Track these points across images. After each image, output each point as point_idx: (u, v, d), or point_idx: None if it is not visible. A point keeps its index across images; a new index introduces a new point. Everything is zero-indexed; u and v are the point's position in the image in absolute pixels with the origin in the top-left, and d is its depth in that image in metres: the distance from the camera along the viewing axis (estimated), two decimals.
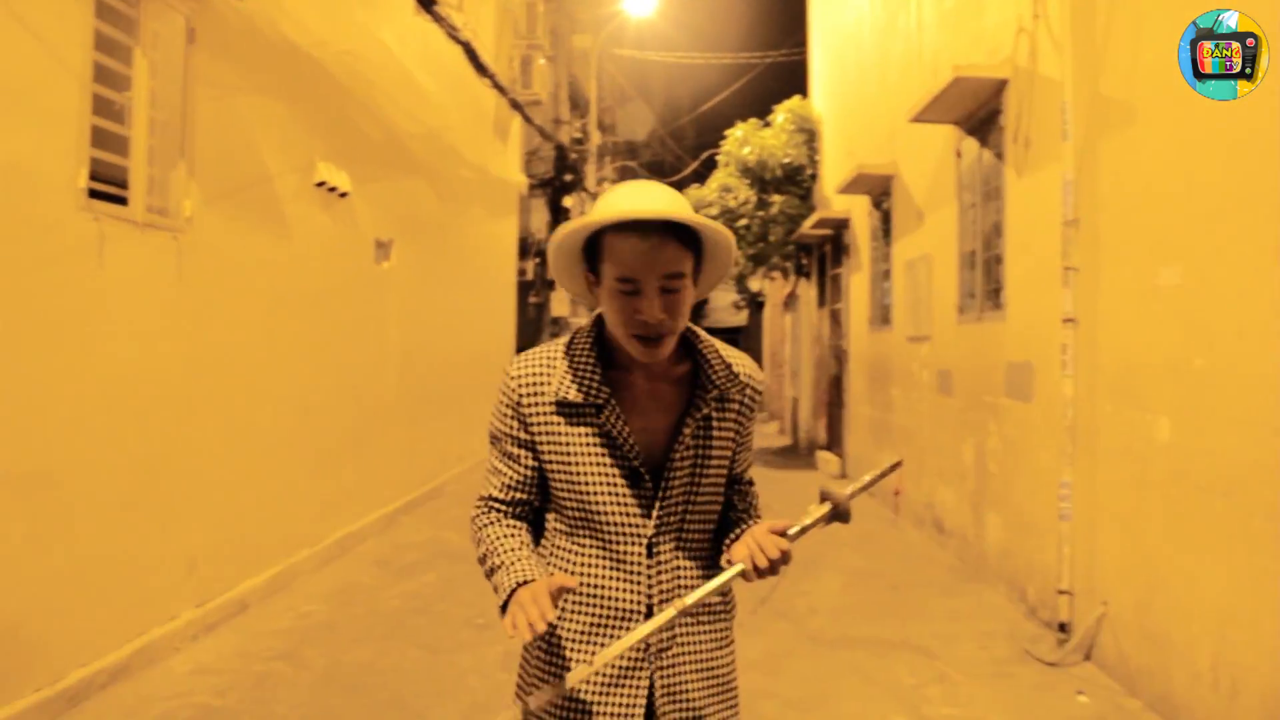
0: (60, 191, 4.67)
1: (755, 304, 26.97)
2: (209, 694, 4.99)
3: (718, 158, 16.42)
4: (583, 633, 1.98)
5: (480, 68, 11.74)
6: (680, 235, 1.84)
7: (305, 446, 7.56)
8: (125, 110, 5.28)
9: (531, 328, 18.65)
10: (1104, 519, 5.32)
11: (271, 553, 6.91)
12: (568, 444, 1.97)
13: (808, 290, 16.81)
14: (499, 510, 2.05)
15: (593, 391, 1.95)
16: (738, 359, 2.07)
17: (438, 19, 9.89)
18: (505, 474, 2.04)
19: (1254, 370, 3.97)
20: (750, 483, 2.22)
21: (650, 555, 1.97)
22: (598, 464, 1.96)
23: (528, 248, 18.30)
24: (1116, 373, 5.21)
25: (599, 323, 2.03)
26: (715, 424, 2.02)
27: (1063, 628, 5.61)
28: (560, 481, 1.99)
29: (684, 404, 2.01)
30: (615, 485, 1.96)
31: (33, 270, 4.50)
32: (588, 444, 1.96)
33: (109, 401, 5.06)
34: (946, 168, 8.37)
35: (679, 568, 2.00)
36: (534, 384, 1.99)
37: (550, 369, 1.99)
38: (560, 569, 2.00)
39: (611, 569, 1.97)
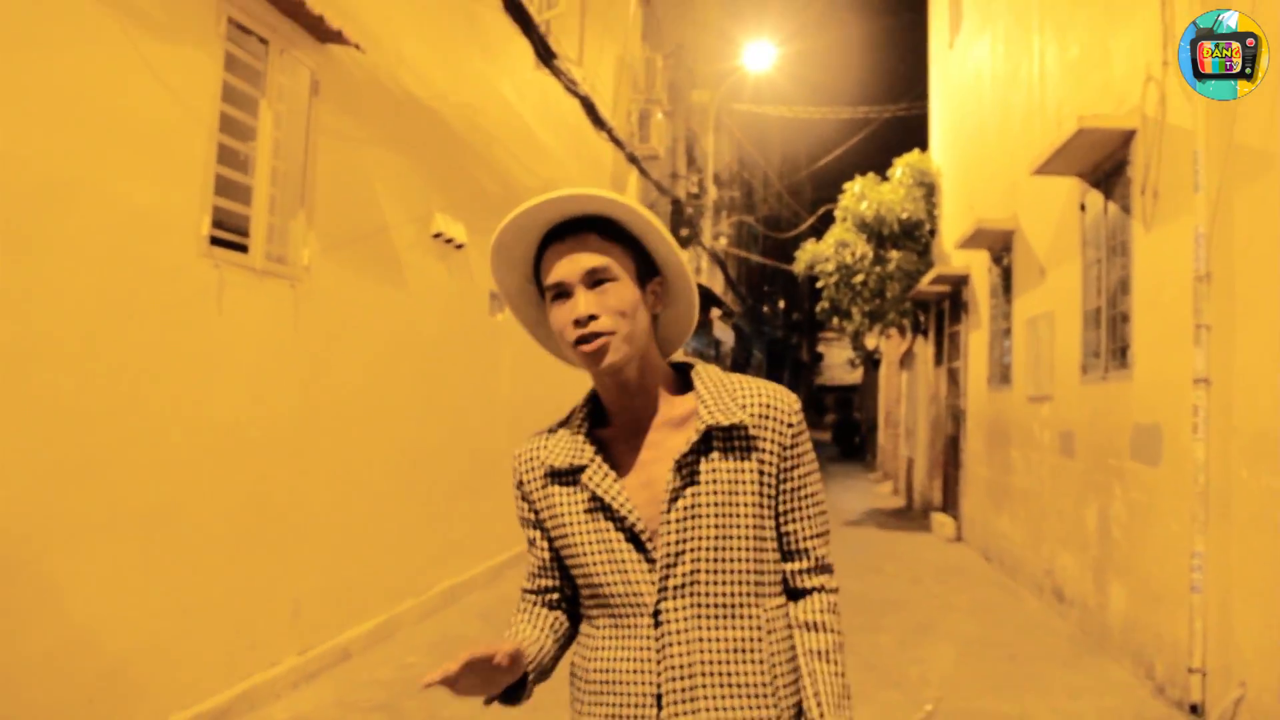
0: (184, 238, 4.81)
1: (871, 362, 26.68)
2: None
3: (835, 213, 16.29)
4: None
5: (598, 121, 11.87)
6: (605, 233, 1.73)
7: (414, 496, 7.62)
8: (249, 160, 5.43)
9: None
10: (1241, 593, 5.00)
11: (376, 601, 6.94)
12: (563, 514, 1.80)
13: (924, 348, 16.50)
14: (529, 601, 1.92)
15: (576, 453, 1.79)
16: (751, 388, 1.79)
17: (557, 73, 10.03)
18: (530, 560, 1.92)
19: None
20: (814, 563, 1.83)
21: (657, 625, 1.71)
22: (594, 530, 1.76)
23: None
24: (1253, 436, 4.92)
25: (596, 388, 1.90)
26: (719, 464, 1.73)
27: (1195, 709, 5.27)
28: (568, 559, 1.82)
29: None
30: (614, 551, 1.74)
31: (156, 314, 4.63)
32: (581, 510, 1.77)
33: (223, 444, 5.16)
34: (1070, 222, 8.12)
35: (700, 640, 1.70)
36: (530, 459, 1.86)
37: (545, 441, 1.85)
38: (583, 659, 1.81)
39: (619, 649, 1.74)
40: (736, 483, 1.74)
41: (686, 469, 1.73)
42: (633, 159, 14.46)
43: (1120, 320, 6.97)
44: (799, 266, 16.70)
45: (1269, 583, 4.72)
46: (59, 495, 4.08)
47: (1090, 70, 7.63)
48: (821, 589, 1.82)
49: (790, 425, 1.78)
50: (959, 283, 13.23)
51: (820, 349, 52.02)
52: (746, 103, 25.73)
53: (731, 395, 1.77)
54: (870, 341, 21.07)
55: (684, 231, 19.82)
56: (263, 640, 5.54)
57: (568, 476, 1.79)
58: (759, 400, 1.77)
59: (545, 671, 1.82)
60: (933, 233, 15.33)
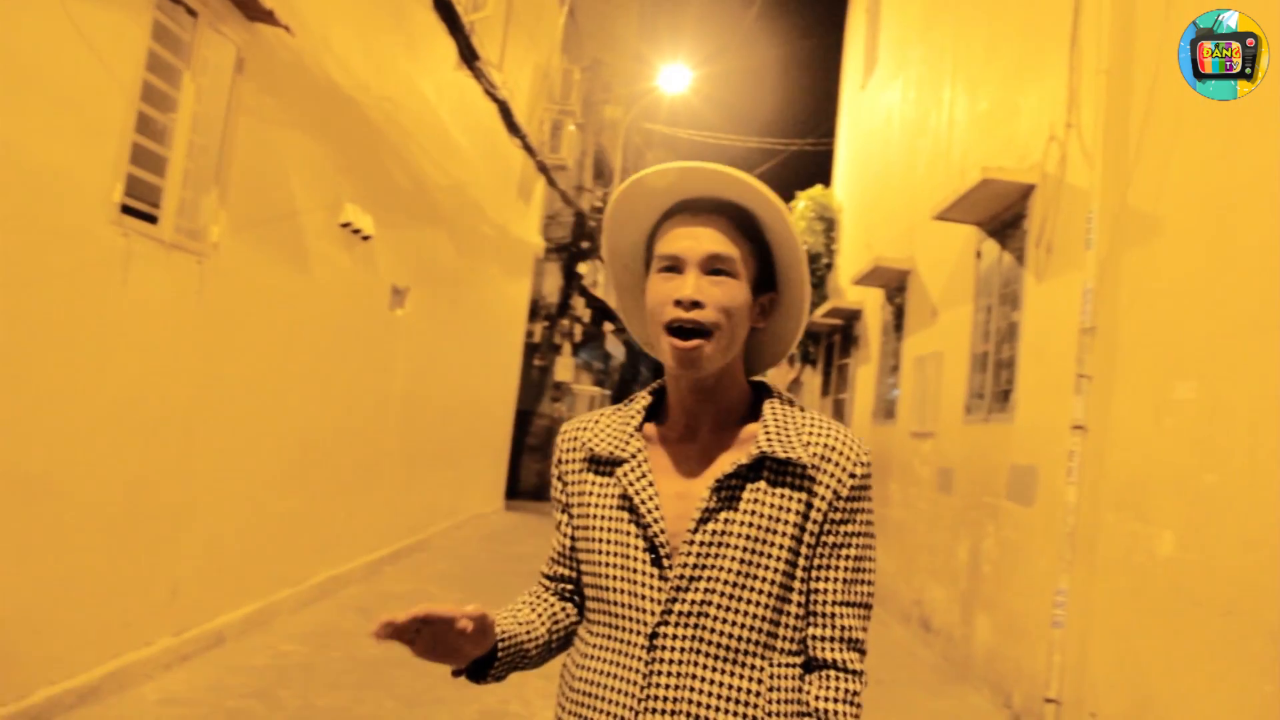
0: (95, 203, 4.71)
1: None
2: None
3: None
4: None
5: (513, 127, 11.91)
6: (738, 223, 1.60)
7: (300, 484, 7.53)
8: (167, 131, 5.35)
9: (534, 390, 18.65)
10: (1098, 629, 5.27)
11: (254, 588, 6.84)
12: (590, 505, 1.66)
13: (812, 378, 16.86)
14: (541, 586, 1.80)
15: (620, 444, 1.65)
16: (819, 427, 1.63)
17: (478, 75, 10.05)
18: (553, 545, 1.79)
19: (1264, 491, 3.96)
20: (836, 633, 1.60)
21: (650, 649, 1.55)
22: (615, 530, 1.62)
23: (538, 310, 18.38)
24: (1122, 483, 5.21)
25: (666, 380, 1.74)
26: (764, 496, 1.57)
27: None
28: (582, 550, 1.69)
29: None
30: (630, 557, 1.59)
31: (60, 277, 4.52)
32: (608, 505, 1.64)
33: (116, 416, 5.05)
34: (965, 267, 8.44)
35: (693, 678, 1.53)
36: (574, 437, 1.73)
37: (595, 423, 1.72)
38: (573, 661, 1.68)
39: (609, 663, 1.59)
40: (777, 520, 1.57)
41: (727, 492, 1.58)
42: (542, 168, 14.52)
43: (1006, 365, 7.28)
44: None
45: (1125, 621, 4.99)
46: None
47: (997, 125, 7.97)
48: (840, 667, 1.60)
49: (852, 475, 1.61)
50: (852, 317, 13.59)
51: None
52: (660, 123, 26.02)
53: (797, 429, 1.62)
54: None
55: (585, 244, 19.89)
56: (137, 619, 5.41)
57: (606, 466, 1.67)
58: (823, 440, 1.61)
59: (525, 656, 1.68)
60: (830, 267, 15.72)
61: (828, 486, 1.59)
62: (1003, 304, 7.48)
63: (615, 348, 27.59)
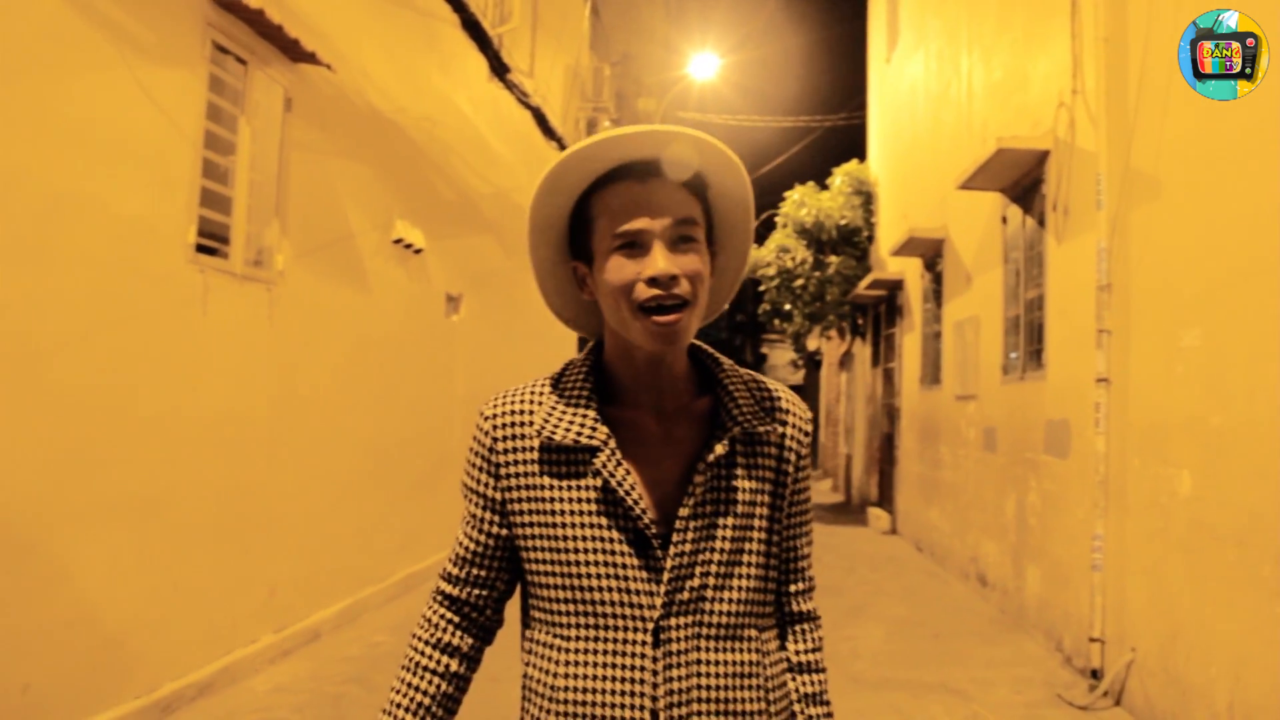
0: (173, 246, 5.19)
1: (813, 363, 27.31)
2: (288, 710, 5.40)
3: (776, 219, 16.81)
4: None
5: (548, 131, 12.29)
6: (691, 184, 1.48)
7: (377, 487, 8.01)
8: (228, 172, 5.80)
9: None
10: (1132, 569, 5.57)
11: (343, 586, 7.34)
12: (552, 501, 1.50)
13: (862, 349, 17.09)
14: (447, 605, 1.61)
15: (586, 430, 1.49)
16: (773, 391, 1.61)
17: (510, 87, 10.46)
18: (464, 543, 1.60)
19: (1265, 427, 4.25)
20: (809, 584, 1.67)
21: (658, 644, 1.45)
22: (591, 526, 1.47)
23: None
24: (1144, 429, 5.49)
25: (597, 350, 1.61)
26: (741, 471, 1.53)
27: (1095, 674, 5.84)
28: (541, 553, 1.51)
29: (703, 447, 1.53)
30: (614, 553, 1.46)
31: (148, 316, 5.01)
32: (579, 500, 1.49)
33: (206, 438, 5.54)
34: (993, 233, 8.69)
35: (699, 663, 1.47)
36: (513, 424, 1.54)
37: (534, 406, 1.54)
38: (546, 674, 1.51)
39: (606, 667, 1.47)
40: (757, 492, 1.55)
41: (712, 474, 1.51)
42: None
43: (1036, 325, 7.54)
44: None
45: (1154, 560, 5.28)
46: (64, 483, 4.44)
47: (1011, 93, 8.21)
48: (814, 616, 1.68)
49: (807, 435, 1.62)
50: (894, 287, 13.81)
51: (764, 350, 52.67)
52: (691, 111, 26.27)
53: (758, 397, 1.59)
54: (811, 343, 21.66)
55: None
56: (242, 619, 5.92)
57: (571, 455, 1.50)
58: (778, 405, 1.60)
59: None
60: (870, 239, 15.92)
61: (792, 450, 1.59)
62: (1029, 266, 7.74)
63: None
